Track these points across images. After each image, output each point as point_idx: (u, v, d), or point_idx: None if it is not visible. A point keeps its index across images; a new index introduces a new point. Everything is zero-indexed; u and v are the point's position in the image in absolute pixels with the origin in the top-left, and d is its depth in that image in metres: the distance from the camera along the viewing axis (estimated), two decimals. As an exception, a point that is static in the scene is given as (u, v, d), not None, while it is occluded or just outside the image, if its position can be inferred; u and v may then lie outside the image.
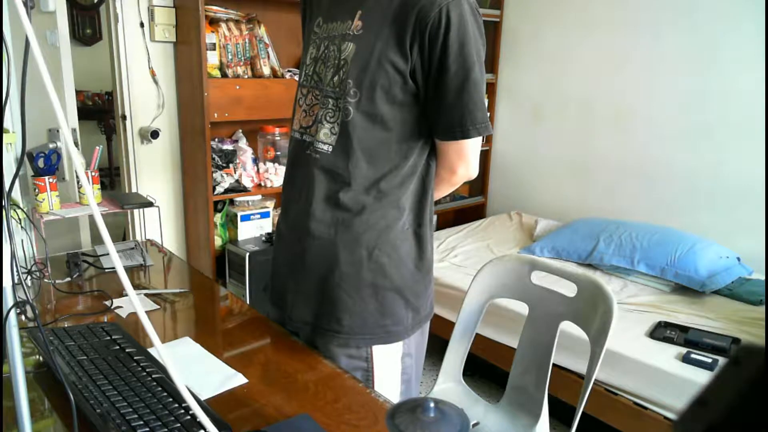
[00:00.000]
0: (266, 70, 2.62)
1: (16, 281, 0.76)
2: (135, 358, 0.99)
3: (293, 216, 1.15)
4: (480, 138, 1.08)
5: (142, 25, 2.46)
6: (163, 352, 0.54)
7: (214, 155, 2.56)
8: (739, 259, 2.41)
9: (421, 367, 1.25)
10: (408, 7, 0.98)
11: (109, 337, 1.06)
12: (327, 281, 1.10)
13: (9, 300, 0.66)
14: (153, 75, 2.53)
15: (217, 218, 2.66)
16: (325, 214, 1.09)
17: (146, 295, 1.38)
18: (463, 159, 1.09)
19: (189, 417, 0.83)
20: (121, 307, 1.30)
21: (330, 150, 1.07)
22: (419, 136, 1.07)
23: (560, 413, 2.00)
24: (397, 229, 1.09)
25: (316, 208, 1.09)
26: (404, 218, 1.10)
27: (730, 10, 2.50)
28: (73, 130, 2.22)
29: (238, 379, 1.01)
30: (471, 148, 1.08)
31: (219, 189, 2.54)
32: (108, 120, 4.93)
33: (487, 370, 2.39)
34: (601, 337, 1.22)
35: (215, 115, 2.45)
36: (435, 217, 1.88)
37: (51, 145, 2.03)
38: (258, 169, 2.71)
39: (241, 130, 2.78)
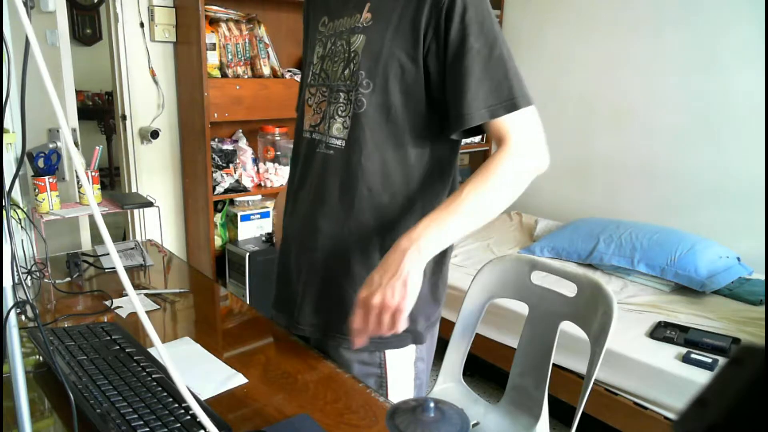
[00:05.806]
0: (266, 70, 2.63)
1: (16, 281, 0.76)
2: (135, 358, 0.99)
3: (303, 215, 1.12)
4: (532, 112, 0.97)
5: (142, 25, 2.46)
6: (163, 352, 0.54)
7: (214, 155, 2.56)
8: (739, 259, 2.41)
9: (430, 370, 1.22)
10: None
11: (109, 337, 1.06)
12: (338, 283, 1.07)
13: (9, 300, 0.66)
14: (153, 75, 2.53)
15: (217, 218, 2.66)
16: (338, 213, 1.06)
17: (146, 295, 1.38)
18: (525, 136, 0.96)
19: (189, 417, 0.82)
20: (121, 307, 1.30)
21: (343, 145, 1.04)
22: (435, 129, 1.03)
23: (560, 413, 2.00)
24: None
25: (329, 207, 1.06)
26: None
27: (730, 11, 2.50)
28: (73, 130, 2.22)
29: (238, 379, 1.01)
30: (527, 122, 0.96)
31: (219, 189, 2.54)
32: (108, 120, 4.93)
33: (487, 370, 2.39)
34: (601, 337, 1.22)
35: (215, 115, 2.45)
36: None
37: (51, 145, 2.04)
38: (258, 169, 2.71)
39: (241, 130, 2.78)
